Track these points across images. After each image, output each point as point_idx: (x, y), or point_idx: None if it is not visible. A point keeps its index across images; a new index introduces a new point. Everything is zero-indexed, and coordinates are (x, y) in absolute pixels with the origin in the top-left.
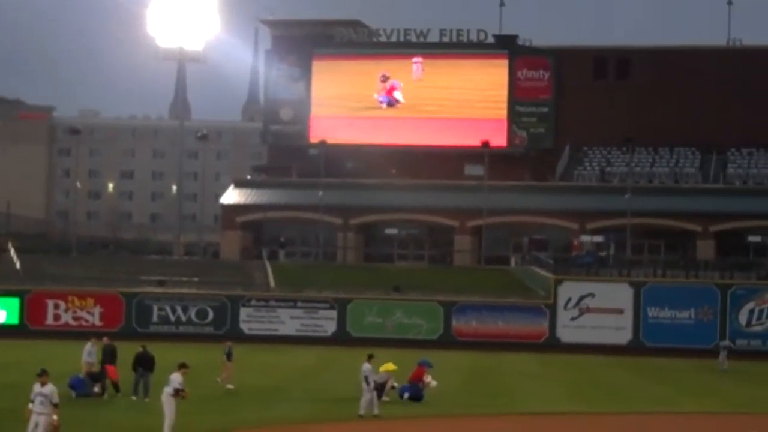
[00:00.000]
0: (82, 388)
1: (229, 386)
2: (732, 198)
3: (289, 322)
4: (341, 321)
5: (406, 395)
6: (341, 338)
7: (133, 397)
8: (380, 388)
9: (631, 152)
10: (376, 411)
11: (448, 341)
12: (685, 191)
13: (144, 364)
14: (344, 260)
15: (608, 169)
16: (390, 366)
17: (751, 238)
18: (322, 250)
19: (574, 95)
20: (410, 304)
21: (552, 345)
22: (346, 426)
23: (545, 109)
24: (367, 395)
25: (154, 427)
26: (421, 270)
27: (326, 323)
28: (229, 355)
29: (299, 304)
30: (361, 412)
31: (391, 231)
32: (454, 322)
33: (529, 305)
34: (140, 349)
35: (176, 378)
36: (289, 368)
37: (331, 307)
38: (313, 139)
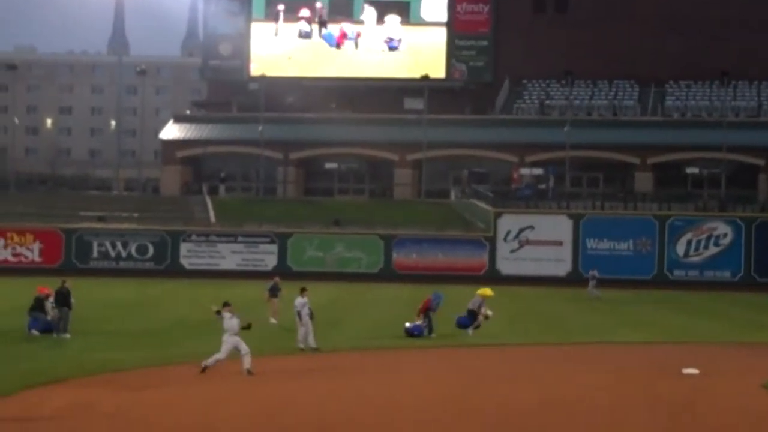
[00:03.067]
0: (39, 324)
1: (273, 321)
2: (670, 130)
3: (229, 256)
4: (282, 255)
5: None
6: (282, 272)
7: (54, 335)
8: (474, 315)
9: (570, 85)
10: (313, 344)
11: (389, 274)
12: (623, 124)
13: (59, 300)
14: (284, 195)
15: (547, 102)
16: (487, 291)
17: (689, 170)
18: (262, 184)
19: (514, 29)
20: (350, 237)
21: (492, 277)
22: (284, 359)
23: (485, 43)
24: (302, 329)
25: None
26: (362, 204)
27: (267, 257)
28: (273, 291)
29: (240, 238)
30: (300, 345)
31: (331, 165)
32: (394, 256)
33: (469, 238)
34: (60, 285)
35: (231, 319)
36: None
37: (272, 242)
38: (253, 73)
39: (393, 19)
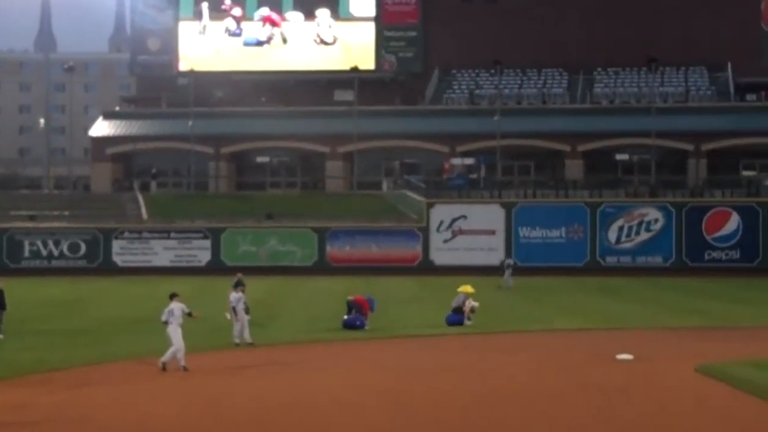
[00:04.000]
0: None
1: (229, 316)
2: (599, 117)
3: (162, 253)
4: (215, 250)
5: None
6: (216, 267)
7: None
8: (460, 311)
9: (500, 74)
10: (248, 339)
11: (323, 267)
12: (553, 112)
13: None
14: (216, 189)
15: (477, 91)
16: (468, 288)
17: (619, 157)
18: (193, 180)
19: (442, 19)
20: (284, 231)
21: (426, 268)
22: (220, 354)
23: (413, 33)
24: (237, 324)
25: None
26: (294, 197)
27: (200, 253)
28: (236, 286)
29: (172, 234)
30: (236, 340)
31: (263, 159)
32: (328, 248)
33: (402, 229)
34: None
35: (178, 306)
36: (162, 300)
37: (205, 237)
38: (182, 68)
39: (323, 13)
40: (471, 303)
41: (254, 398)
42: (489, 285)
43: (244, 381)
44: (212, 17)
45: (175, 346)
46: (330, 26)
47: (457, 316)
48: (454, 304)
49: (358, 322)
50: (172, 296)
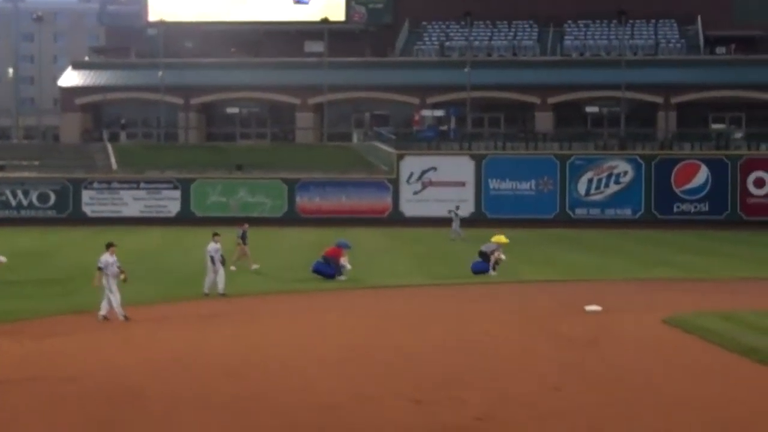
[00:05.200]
0: None
1: (255, 266)
2: (569, 70)
3: (132, 203)
4: (185, 201)
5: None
6: (185, 218)
7: None
8: (487, 258)
9: (470, 26)
10: (222, 290)
11: (293, 218)
12: (523, 64)
13: None
14: (186, 140)
15: (447, 43)
16: (501, 238)
17: (589, 109)
18: (163, 130)
19: None
20: (253, 182)
21: (396, 219)
22: (189, 305)
23: None
24: (211, 274)
25: None
26: (264, 148)
27: (170, 203)
28: (243, 238)
29: (142, 185)
30: (206, 291)
31: (233, 110)
32: (297, 199)
33: (372, 180)
34: None
35: (108, 259)
36: (132, 249)
37: (175, 188)
38: (151, 18)
39: None
40: (499, 254)
41: (222, 347)
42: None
43: (213, 330)
44: None
45: (112, 295)
46: None
47: (483, 264)
48: (483, 248)
49: (329, 271)
50: (109, 246)
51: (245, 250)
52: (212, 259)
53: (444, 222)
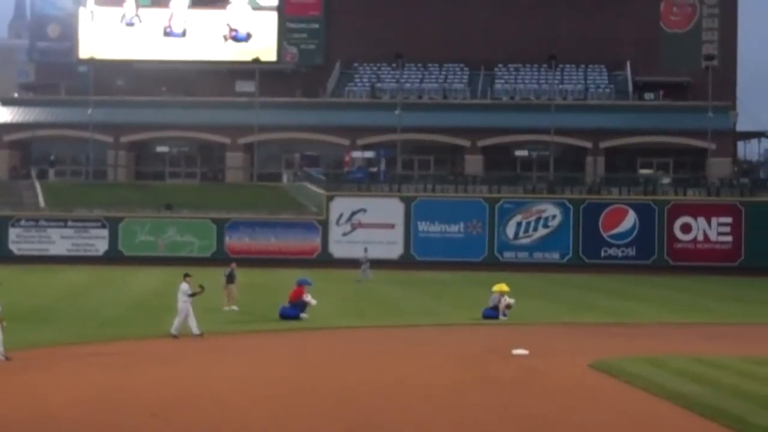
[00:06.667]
0: None
1: (233, 308)
2: (499, 113)
3: (59, 241)
4: (113, 240)
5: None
6: (113, 257)
7: None
8: (497, 308)
9: (401, 68)
10: (196, 331)
11: (222, 258)
12: (453, 107)
13: None
14: (115, 178)
15: (378, 85)
16: (503, 287)
17: (518, 153)
18: (92, 168)
19: (345, 11)
20: (183, 221)
21: (325, 260)
22: (115, 345)
23: (315, 26)
24: (181, 315)
25: None
26: (193, 187)
27: (98, 242)
28: (230, 277)
29: (70, 223)
30: (173, 331)
31: (163, 149)
32: (227, 239)
33: (302, 221)
34: None
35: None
36: (59, 288)
37: (103, 226)
38: (82, 56)
39: (238, 3)
40: (506, 300)
41: (149, 386)
42: (388, 278)
43: (139, 371)
44: (111, 2)
45: None
46: (233, 18)
47: (493, 311)
48: (491, 303)
49: (293, 313)
50: None
51: (232, 290)
52: (191, 296)
53: (372, 264)
